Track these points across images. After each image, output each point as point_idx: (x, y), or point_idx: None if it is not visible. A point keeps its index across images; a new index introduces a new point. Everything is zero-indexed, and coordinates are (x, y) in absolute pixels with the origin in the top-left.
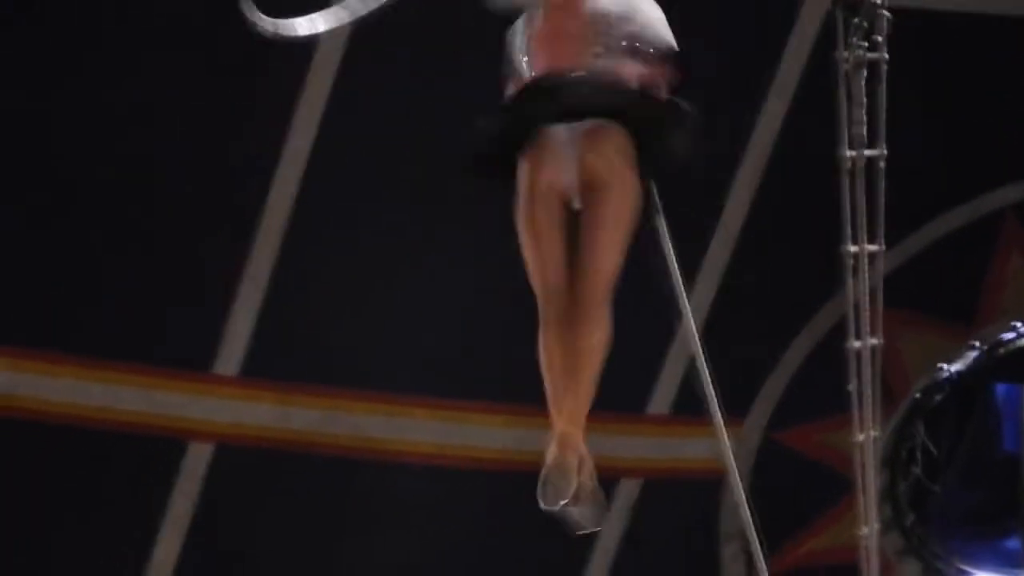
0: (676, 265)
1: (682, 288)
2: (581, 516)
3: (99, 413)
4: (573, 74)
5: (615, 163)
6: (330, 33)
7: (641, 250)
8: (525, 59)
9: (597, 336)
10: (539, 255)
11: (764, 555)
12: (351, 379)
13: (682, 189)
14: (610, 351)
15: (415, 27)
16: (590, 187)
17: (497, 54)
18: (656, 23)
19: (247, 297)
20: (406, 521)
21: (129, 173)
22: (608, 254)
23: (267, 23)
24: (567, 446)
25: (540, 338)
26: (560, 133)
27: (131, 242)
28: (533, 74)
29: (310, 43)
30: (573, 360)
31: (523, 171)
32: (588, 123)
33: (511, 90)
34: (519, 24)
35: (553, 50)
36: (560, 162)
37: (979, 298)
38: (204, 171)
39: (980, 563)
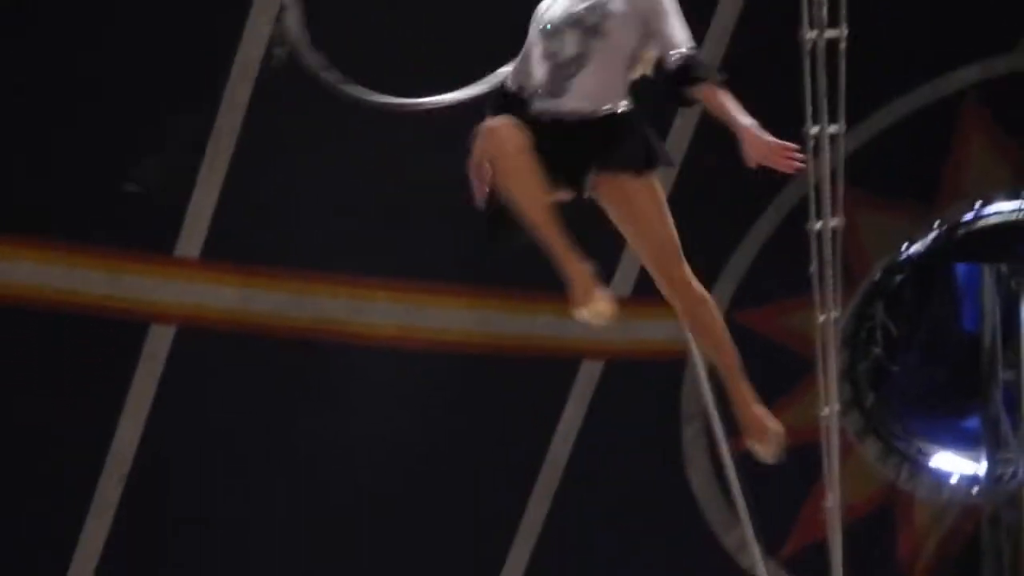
0: None
1: None
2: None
3: (60, 295)
4: None
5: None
6: None
7: None
8: None
9: (701, 312)
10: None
11: (725, 436)
12: (313, 262)
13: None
14: (571, 234)
15: None
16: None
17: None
18: None
19: (208, 179)
20: (368, 404)
21: (89, 48)
22: (654, 229)
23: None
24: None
25: None
26: None
27: (91, 123)
28: None
29: None
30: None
31: None
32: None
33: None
34: None
35: None
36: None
37: (940, 179)
38: (166, 46)
39: (939, 442)
